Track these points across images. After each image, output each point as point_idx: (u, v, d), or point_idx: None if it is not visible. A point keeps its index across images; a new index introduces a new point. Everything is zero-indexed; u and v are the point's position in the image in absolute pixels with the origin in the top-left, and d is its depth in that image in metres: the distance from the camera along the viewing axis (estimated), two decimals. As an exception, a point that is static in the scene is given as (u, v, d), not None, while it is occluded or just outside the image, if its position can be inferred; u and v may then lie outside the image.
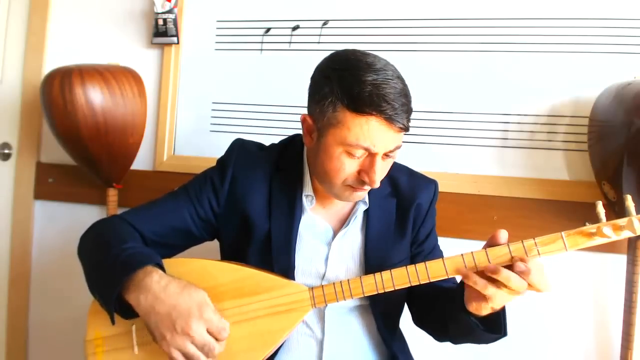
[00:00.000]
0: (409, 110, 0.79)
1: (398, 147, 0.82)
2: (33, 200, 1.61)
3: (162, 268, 0.79)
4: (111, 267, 0.77)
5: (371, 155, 0.80)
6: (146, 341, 0.80)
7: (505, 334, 0.81)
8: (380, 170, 0.81)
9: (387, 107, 0.75)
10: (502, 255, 0.76)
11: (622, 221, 0.75)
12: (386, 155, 0.81)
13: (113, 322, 0.77)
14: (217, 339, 0.74)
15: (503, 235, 0.77)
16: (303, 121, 0.87)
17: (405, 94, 0.78)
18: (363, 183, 0.82)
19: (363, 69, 0.77)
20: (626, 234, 0.75)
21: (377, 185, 0.82)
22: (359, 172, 0.82)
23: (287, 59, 1.43)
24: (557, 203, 1.26)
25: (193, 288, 0.75)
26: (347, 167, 0.81)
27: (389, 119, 0.76)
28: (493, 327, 0.79)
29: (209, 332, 0.73)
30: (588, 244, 0.76)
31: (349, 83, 0.76)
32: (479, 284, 0.73)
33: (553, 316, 1.29)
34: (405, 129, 0.79)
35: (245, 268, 0.84)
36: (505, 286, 0.72)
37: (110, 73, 1.36)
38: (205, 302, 0.74)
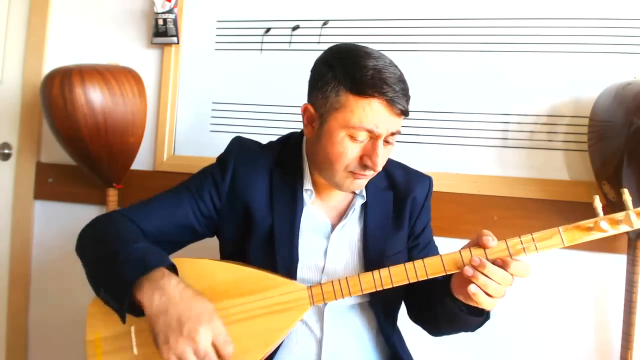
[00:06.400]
0: (407, 95, 0.82)
1: (398, 132, 0.84)
2: (33, 200, 1.61)
3: (175, 270, 0.79)
4: (123, 264, 0.76)
5: (373, 138, 0.82)
6: (145, 342, 0.80)
7: (488, 317, 0.83)
8: (382, 155, 0.83)
9: (388, 90, 0.78)
10: (500, 251, 0.76)
11: (619, 215, 0.75)
12: (386, 142, 0.84)
13: (124, 321, 0.74)
14: (219, 354, 0.72)
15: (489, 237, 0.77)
16: (304, 110, 0.88)
17: (403, 80, 0.82)
18: (365, 168, 0.84)
19: (363, 57, 0.81)
20: (624, 228, 0.74)
21: (379, 169, 0.84)
22: (361, 157, 0.83)
23: (287, 59, 1.43)
24: (557, 203, 1.26)
25: (206, 299, 0.75)
26: (350, 151, 0.82)
27: (390, 101, 0.79)
28: (476, 310, 0.80)
29: (213, 345, 0.72)
30: (586, 239, 0.76)
31: (352, 68, 0.80)
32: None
33: (553, 316, 1.29)
34: (405, 112, 0.82)
35: (244, 267, 0.84)
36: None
37: (110, 73, 1.36)
38: (215, 314, 0.74)
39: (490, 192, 1.30)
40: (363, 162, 0.83)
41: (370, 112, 0.79)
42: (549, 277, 1.28)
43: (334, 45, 0.88)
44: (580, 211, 1.23)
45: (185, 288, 0.74)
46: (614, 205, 1.13)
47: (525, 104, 1.29)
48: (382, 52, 0.84)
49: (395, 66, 0.82)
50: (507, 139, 1.31)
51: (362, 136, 0.81)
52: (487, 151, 1.32)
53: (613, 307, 1.25)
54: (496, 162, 1.31)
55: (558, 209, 1.26)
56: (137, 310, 0.75)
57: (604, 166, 1.15)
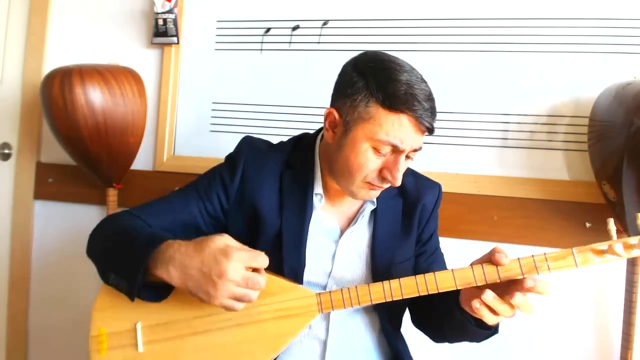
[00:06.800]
0: (435, 113, 0.82)
1: (420, 149, 0.84)
2: (33, 201, 1.61)
3: None
4: (134, 245, 0.78)
5: (396, 153, 0.82)
6: (151, 340, 0.80)
7: (496, 331, 0.83)
8: (402, 170, 0.83)
9: (418, 107, 0.78)
10: (512, 269, 0.76)
11: (633, 239, 0.74)
12: (407, 156, 0.83)
13: (132, 298, 0.75)
14: (256, 270, 0.74)
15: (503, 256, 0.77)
16: (327, 115, 0.87)
17: (432, 98, 0.81)
18: (382, 181, 0.84)
19: (397, 70, 0.80)
20: (636, 253, 0.74)
21: (398, 183, 0.83)
22: (381, 170, 0.83)
23: (287, 59, 1.42)
24: (557, 203, 1.26)
25: (210, 238, 0.75)
26: (371, 163, 0.82)
27: (419, 119, 0.79)
28: (484, 322, 0.80)
29: (246, 268, 0.73)
30: (599, 261, 0.75)
31: (385, 80, 0.79)
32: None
33: (553, 316, 1.29)
34: (430, 130, 0.81)
35: None
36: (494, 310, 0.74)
37: (110, 73, 1.36)
38: (226, 245, 0.74)
39: (490, 192, 1.30)
40: (382, 175, 0.83)
41: (398, 128, 0.79)
42: (549, 277, 1.27)
43: (365, 53, 0.87)
44: (580, 211, 1.23)
45: (188, 246, 0.74)
46: (614, 205, 1.13)
47: (525, 104, 1.29)
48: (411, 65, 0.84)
49: (425, 82, 0.82)
50: (507, 139, 1.31)
51: (386, 149, 0.81)
52: (487, 151, 1.32)
53: (613, 307, 1.25)
54: (496, 162, 1.31)
55: (558, 209, 1.26)
56: (149, 292, 0.77)
57: (604, 166, 1.15)
